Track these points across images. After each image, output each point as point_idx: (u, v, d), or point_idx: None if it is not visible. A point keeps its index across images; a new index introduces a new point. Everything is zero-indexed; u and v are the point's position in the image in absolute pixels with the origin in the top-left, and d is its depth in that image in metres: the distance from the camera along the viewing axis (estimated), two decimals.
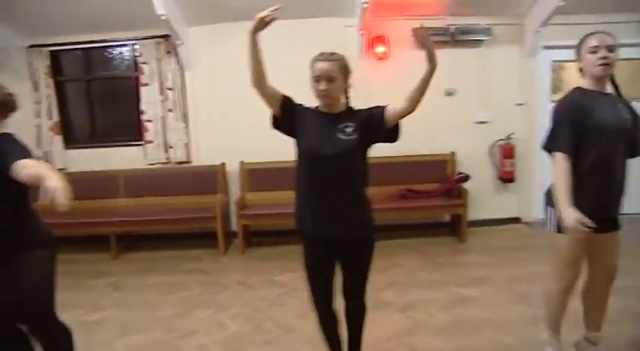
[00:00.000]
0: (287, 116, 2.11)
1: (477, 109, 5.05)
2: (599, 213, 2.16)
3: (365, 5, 4.13)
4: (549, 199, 2.31)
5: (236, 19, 4.63)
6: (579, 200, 2.13)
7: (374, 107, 2.12)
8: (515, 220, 5.32)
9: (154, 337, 3.05)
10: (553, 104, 5.15)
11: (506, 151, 5.06)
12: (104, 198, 4.94)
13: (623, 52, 4.91)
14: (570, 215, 2.09)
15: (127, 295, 3.78)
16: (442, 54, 5.30)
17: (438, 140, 5.05)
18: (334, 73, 2.00)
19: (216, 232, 4.59)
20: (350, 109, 2.16)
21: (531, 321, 3.05)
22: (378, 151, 5.25)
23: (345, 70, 2.08)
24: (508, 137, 5.04)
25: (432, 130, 5.00)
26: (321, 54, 2.04)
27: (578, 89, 2.25)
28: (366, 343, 2.85)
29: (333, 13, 4.63)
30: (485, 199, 5.20)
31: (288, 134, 2.14)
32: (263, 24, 1.96)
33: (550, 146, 2.24)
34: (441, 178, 5.00)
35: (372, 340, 2.88)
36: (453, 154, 5.09)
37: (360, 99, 4.93)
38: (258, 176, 4.86)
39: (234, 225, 4.80)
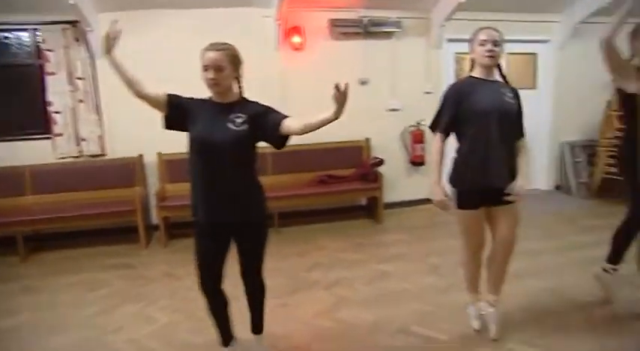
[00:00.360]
0: (176, 114, 2.18)
1: (389, 97, 5.35)
2: (482, 185, 2.46)
3: None
4: (453, 179, 2.59)
5: (149, 7, 4.51)
6: (465, 174, 2.50)
7: (272, 110, 2.20)
8: (427, 200, 5.72)
9: (80, 336, 2.94)
10: None
11: (417, 137, 5.43)
12: (9, 196, 4.58)
13: (515, 47, 5.55)
14: (436, 191, 2.48)
15: (45, 297, 3.57)
16: (356, 45, 5.62)
17: (353, 127, 5.24)
18: (223, 63, 2.05)
19: (136, 226, 4.46)
20: (243, 99, 2.23)
21: (445, 289, 3.40)
22: (297, 139, 5.37)
23: (234, 60, 2.12)
24: (418, 123, 5.40)
25: (348, 117, 5.15)
26: (212, 44, 2.09)
27: (467, 77, 2.55)
28: (296, 319, 3.04)
29: (251, 3, 4.65)
30: (398, 182, 5.56)
31: (182, 130, 2.19)
32: (109, 42, 2.05)
33: (431, 127, 2.58)
34: (357, 163, 5.25)
35: (302, 317, 3.06)
36: (367, 140, 5.35)
37: (276, 88, 5.08)
38: (176, 167, 4.74)
39: (155, 218, 4.72)
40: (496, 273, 2.71)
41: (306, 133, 2.11)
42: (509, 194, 2.48)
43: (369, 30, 4.97)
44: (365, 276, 3.70)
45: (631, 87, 2.66)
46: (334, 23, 4.89)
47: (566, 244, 4.28)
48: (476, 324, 2.81)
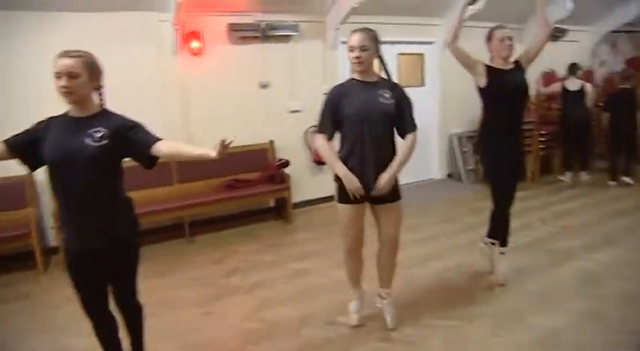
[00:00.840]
0: (29, 152, 1.99)
1: (290, 99, 5.47)
2: (361, 183, 2.54)
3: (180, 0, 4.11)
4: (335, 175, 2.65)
5: (30, 8, 4.13)
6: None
7: (141, 128, 2.06)
8: (332, 197, 5.95)
9: None
10: None
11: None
12: None
13: (405, 48, 5.96)
14: (350, 178, 2.53)
15: None
16: (255, 49, 5.66)
17: (256, 130, 5.31)
18: (76, 70, 1.90)
19: (32, 251, 4.05)
20: (105, 112, 2.07)
21: None
22: (199, 145, 5.31)
23: (91, 67, 1.96)
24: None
25: (251, 121, 5.26)
26: (65, 51, 1.93)
27: (349, 80, 2.65)
28: (225, 325, 3.04)
29: (147, 6, 4.46)
30: (304, 182, 5.70)
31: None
32: None
33: (318, 129, 2.66)
34: (263, 165, 5.29)
35: (230, 322, 3.07)
36: (271, 142, 5.42)
37: (176, 94, 4.94)
38: None
39: (53, 240, 4.35)
40: (384, 268, 2.84)
41: (176, 160, 2.08)
42: (390, 193, 2.59)
43: (267, 34, 5.02)
44: (284, 275, 3.77)
45: (481, 82, 3.11)
46: (233, 28, 4.88)
47: (461, 226, 4.73)
48: (354, 319, 2.91)
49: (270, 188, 5.11)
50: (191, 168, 4.89)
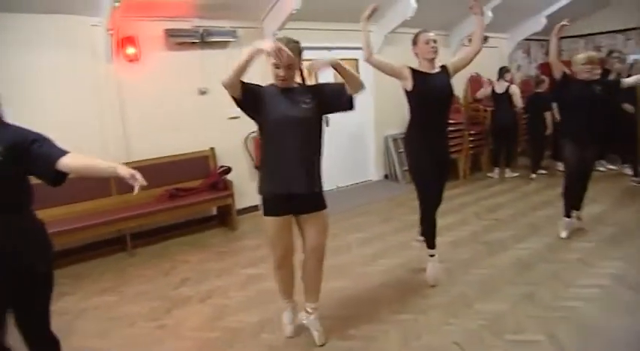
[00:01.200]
0: None
1: (229, 105, 5.35)
2: (283, 191, 2.50)
3: (116, 4, 3.96)
4: (259, 188, 2.62)
5: None
6: (266, 181, 2.57)
7: (44, 141, 1.88)
8: None
9: None
10: None
11: (259, 142, 5.61)
12: None
13: (341, 53, 6.12)
14: (255, 44, 2.31)
15: None
16: (193, 55, 5.61)
17: (197, 138, 5.23)
18: None
19: None
20: (1, 124, 1.87)
21: None
22: (140, 154, 5.18)
23: None
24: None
25: (191, 128, 5.17)
26: None
27: (268, 86, 2.56)
28: (181, 336, 3.00)
29: (75, 9, 4.24)
30: (247, 188, 5.66)
31: None
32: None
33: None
34: (204, 173, 5.22)
35: (186, 333, 3.03)
36: (212, 149, 5.35)
37: (113, 102, 4.76)
38: None
39: None
40: (310, 281, 2.78)
41: (84, 175, 2.01)
42: (314, 202, 2.58)
43: (205, 40, 4.96)
44: (236, 282, 3.76)
45: (407, 85, 3.22)
46: (170, 33, 4.77)
47: (402, 224, 4.94)
48: (288, 330, 2.89)
49: (212, 196, 5.04)
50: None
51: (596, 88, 3.95)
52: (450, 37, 7.67)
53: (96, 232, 4.30)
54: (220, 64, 5.29)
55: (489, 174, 6.95)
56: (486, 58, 8.12)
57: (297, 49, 2.46)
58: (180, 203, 4.81)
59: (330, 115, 5.94)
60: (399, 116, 6.82)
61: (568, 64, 4.20)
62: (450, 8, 6.71)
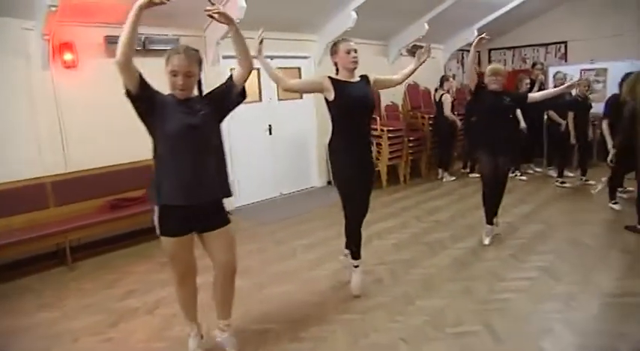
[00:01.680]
0: None
1: None
2: (182, 202, 2.34)
3: (53, 9, 3.83)
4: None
5: None
6: (166, 194, 2.36)
7: None
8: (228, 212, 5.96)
9: None
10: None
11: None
12: None
13: (283, 62, 6.22)
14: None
15: None
16: (135, 63, 5.47)
17: (139, 147, 5.06)
18: None
19: None
20: None
21: (260, 287, 3.74)
22: (80, 164, 5.07)
23: None
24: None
25: (132, 137, 5.01)
26: None
27: (167, 95, 2.44)
28: (129, 348, 2.95)
29: (6, 11, 4.06)
30: None
31: None
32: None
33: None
34: (147, 182, 5.09)
35: (135, 345, 3.00)
36: None
37: (51, 110, 4.61)
38: None
39: None
40: (222, 298, 2.66)
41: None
42: (218, 218, 2.46)
43: (147, 47, 4.90)
44: None
45: (329, 95, 3.18)
46: (110, 40, 4.66)
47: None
48: None
49: None
50: (70, 189, 4.60)
51: (505, 99, 4.14)
52: (388, 47, 7.97)
53: (33, 246, 4.13)
54: (163, 73, 5.24)
55: (441, 177, 7.40)
56: (424, 68, 8.53)
57: (195, 57, 2.38)
58: (123, 214, 4.71)
59: (273, 124, 6.07)
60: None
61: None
62: (388, 19, 7.02)
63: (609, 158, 5.01)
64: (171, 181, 2.36)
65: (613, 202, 5.33)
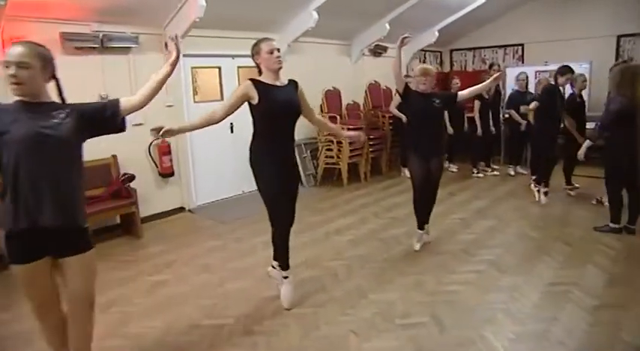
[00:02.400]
0: None
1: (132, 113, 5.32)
2: (28, 226, 2.00)
3: (2, 3, 3.73)
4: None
5: None
6: (11, 216, 2.02)
7: None
8: (181, 209, 5.97)
9: None
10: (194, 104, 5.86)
11: (163, 149, 5.59)
12: None
13: (243, 61, 6.22)
14: None
15: None
16: (93, 60, 5.44)
17: (98, 145, 5.01)
18: None
19: None
20: None
21: (219, 283, 3.79)
22: None
23: None
24: (163, 136, 5.55)
25: None
26: None
27: (14, 102, 2.07)
28: None
29: None
30: (151, 195, 5.60)
31: None
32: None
33: None
34: (106, 181, 5.08)
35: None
36: (114, 157, 5.22)
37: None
38: None
39: None
40: (77, 336, 2.22)
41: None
42: (75, 242, 2.10)
43: (105, 45, 4.84)
44: (141, 289, 3.74)
45: (254, 100, 2.96)
46: (67, 37, 4.59)
47: (305, 225, 5.10)
48: None
49: (115, 204, 4.92)
50: None
51: (435, 101, 3.99)
52: (351, 46, 8.09)
53: None
54: (122, 71, 5.21)
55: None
56: (386, 67, 8.71)
57: (35, 52, 2.03)
58: None
59: (234, 121, 6.04)
60: (302, 122, 7.07)
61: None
62: (350, 19, 7.13)
63: (581, 152, 4.85)
64: (16, 200, 2.01)
65: (538, 189, 5.75)
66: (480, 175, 7.37)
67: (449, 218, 5.24)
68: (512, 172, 7.32)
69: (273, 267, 3.46)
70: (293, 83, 3.17)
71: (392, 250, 4.35)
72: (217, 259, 4.31)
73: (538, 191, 5.74)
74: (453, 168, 7.82)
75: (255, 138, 3.15)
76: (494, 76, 4.13)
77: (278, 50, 3.00)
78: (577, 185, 6.05)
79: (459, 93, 4.14)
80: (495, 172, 7.46)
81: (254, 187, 3.03)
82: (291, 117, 3.11)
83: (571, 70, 5.29)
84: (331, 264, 4.06)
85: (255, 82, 2.98)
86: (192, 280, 3.86)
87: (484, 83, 4.17)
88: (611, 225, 4.53)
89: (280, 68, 3.03)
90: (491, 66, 7.51)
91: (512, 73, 7.83)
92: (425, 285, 3.57)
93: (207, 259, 4.30)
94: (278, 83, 3.06)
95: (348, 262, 4.09)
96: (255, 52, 3.05)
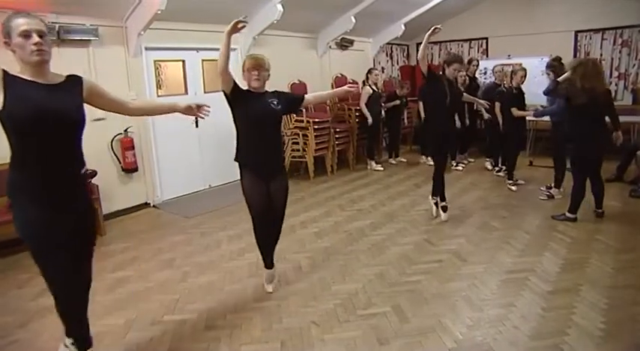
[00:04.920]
0: None
1: (92, 107, 5.19)
2: None
3: None
4: None
5: None
6: None
7: None
8: (146, 204, 5.87)
9: None
10: (159, 98, 5.79)
11: (126, 144, 5.48)
12: None
13: (208, 54, 6.13)
14: None
15: None
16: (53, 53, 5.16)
17: None
18: None
19: None
20: None
21: (182, 277, 3.76)
22: None
23: None
24: (126, 131, 5.45)
25: None
26: None
27: None
28: (42, 348, 2.88)
29: None
30: (114, 191, 5.49)
31: None
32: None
33: None
34: None
35: (47, 344, 2.94)
36: None
37: None
38: None
39: None
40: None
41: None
42: None
43: (62, 37, 4.70)
44: (102, 286, 3.66)
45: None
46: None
47: None
48: None
49: None
50: None
51: (273, 102, 3.25)
52: (317, 39, 8.08)
53: None
54: (81, 64, 5.06)
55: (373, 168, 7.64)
56: (353, 60, 8.76)
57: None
58: None
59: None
60: None
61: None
62: (315, 12, 7.11)
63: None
64: None
65: (511, 182, 6.04)
66: (459, 168, 7.37)
67: (413, 210, 5.31)
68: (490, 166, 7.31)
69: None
70: (75, 79, 2.43)
71: (356, 242, 4.40)
72: (181, 254, 4.27)
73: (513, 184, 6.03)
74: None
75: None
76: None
77: (42, 36, 2.13)
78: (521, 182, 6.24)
79: (305, 97, 3.51)
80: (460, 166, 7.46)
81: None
82: (70, 126, 2.39)
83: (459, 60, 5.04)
84: (295, 256, 4.07)
85: (5, 74, 2.12)
86: (155, 275, 3.82)
87: (329, 91, 4.21)
88: (568, 214, 4.69)
89: (45, 60, 2.19)
90: (470, 61, 7.56)
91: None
92: (387, 276, 3.63)
93: (171, 254, 4.26)
94: (41, 81, 2.19)
95: (312, 254, 4.11)
96: (5, 34, 2.14)
